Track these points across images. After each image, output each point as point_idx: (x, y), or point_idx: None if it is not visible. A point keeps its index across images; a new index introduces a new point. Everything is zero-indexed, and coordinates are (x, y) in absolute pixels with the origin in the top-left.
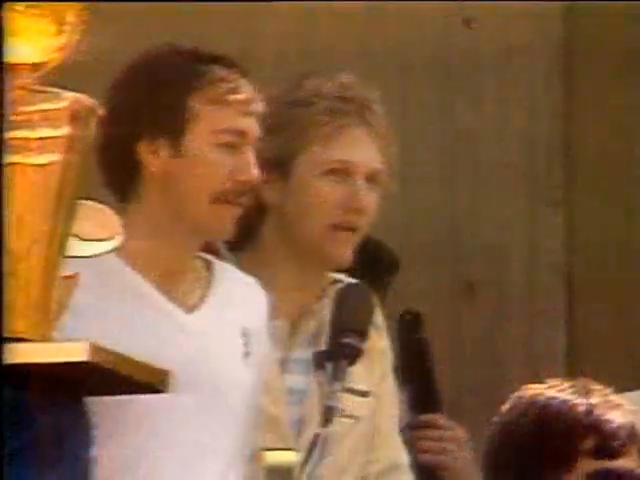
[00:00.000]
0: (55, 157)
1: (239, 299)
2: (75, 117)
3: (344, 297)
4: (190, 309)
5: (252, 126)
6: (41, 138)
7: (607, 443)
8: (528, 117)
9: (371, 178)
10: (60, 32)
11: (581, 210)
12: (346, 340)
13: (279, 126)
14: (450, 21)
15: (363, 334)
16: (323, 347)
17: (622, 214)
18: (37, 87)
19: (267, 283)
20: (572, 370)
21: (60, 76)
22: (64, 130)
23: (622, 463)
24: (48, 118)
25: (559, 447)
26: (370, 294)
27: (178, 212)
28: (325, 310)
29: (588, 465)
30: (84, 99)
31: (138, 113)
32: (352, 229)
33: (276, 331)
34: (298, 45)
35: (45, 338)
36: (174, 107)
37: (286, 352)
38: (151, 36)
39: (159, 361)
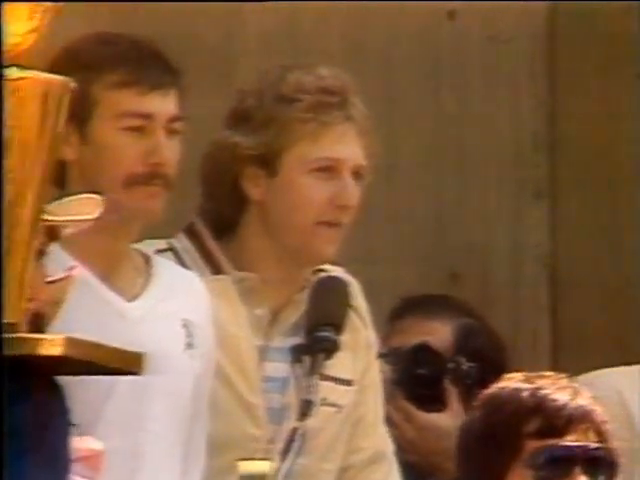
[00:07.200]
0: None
1: (180, 292)
2: (47, 97)
3: (319, 290)
4: (131, 298)
5: (161, 107)
6: None
7: (551, 422)
8: (513, 109)
9: (356, 174)
10: (32, 16)
11: (566, 202)
12: (322, 334)
13: (264, 122)
14: (435, 13)
15: (339, 327)
16: (302, 339)
17: (607, 206)
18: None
19: (251, 272)
20: (556, 362)
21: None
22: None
23: (568, 440)
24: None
25: (505, 433)
26: (346, 286)
27: None
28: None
29: (533, 445)
30: (56, 79)
31: None
32: (337, 225)
33: (257, 320)
34: (282, 35)
35: (17, 321)
36: (80, 94)
37: (267, 341)
38: (134, 20)
39: None
